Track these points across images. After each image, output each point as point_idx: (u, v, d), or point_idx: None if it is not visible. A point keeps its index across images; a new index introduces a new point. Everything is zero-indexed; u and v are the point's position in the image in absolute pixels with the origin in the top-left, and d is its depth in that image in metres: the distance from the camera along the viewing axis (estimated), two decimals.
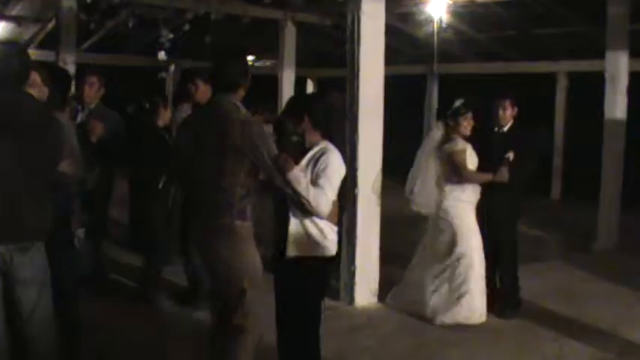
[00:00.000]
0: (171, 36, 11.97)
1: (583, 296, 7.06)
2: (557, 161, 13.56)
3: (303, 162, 4.13)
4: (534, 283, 6.94)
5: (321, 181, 4.03)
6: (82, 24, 10.81)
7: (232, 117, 3.94)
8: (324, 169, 4.07)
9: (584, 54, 12.08)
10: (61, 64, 10.23)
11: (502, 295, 6.40)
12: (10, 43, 4.82)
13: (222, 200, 3.94)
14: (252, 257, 4.04)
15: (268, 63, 17.11)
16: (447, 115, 6.22)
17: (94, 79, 6.67)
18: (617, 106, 9.07)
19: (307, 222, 4.08)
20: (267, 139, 3.96)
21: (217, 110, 4.02)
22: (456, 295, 6.10)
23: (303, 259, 4.12)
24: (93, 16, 10.78)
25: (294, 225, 4.09)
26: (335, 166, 4.12)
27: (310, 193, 3.96)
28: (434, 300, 6.19)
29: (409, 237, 6.91)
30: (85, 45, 12.66)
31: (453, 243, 6.15)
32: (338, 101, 6.60)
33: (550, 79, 13.63)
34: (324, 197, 4.00)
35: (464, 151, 6.14)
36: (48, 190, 3.78)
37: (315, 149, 4.18)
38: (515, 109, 6.52)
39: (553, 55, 13.11)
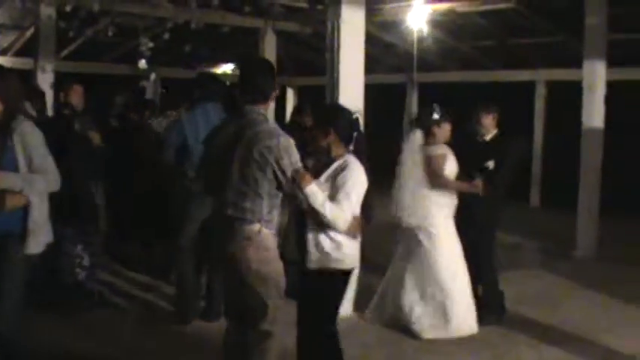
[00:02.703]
0: (151, 44, 11.92)
1: (563, 304, 7.11)
2: (536, 169, 13.63)
3: (324, 176, 4.22)
4: (514, 290, 6.97)
5: (340, 196, 4.11)
6: (61, 32, 10.73)
7: (260, 128, 3.96)
8: (343, 184, 4.14)
9: (563, 63, 12.20)
10: (39, 71, 10.19)
11: (484, 302, 6.36)
12: None
13: (249, 208, 3.93)
14: (277, 264, 4.09)
15: None
16: (429, 124, 6.12)
17: (79, 88, 6.64)
18: (594, 115, 9.15)
19: (323, 236, 4.17)
20: (292, 153, 3.94)
21: (246, 120, 4.02)
22: (443, 309, 5.98)
23: (322, 271, 4.22)
24: (72, 24, 10.68)
25: (311, 238, 4.19)
26: (355, 180, 4.18)
27: (327, 209, 4.03)
28: (418, 315, 6.02)
29: (387, 246, 6.86)
30: (64, 53, 12.58)
31: (433, 253, 6.04)
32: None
33: (529, 87, 13.72)
34: (342, 213, 4.08)
35: (443, 157, 6.07)
36: None
37: (338, 163, 4.26)
38: (497, 115, 6.53)
39: (532, 64, 13.22)
